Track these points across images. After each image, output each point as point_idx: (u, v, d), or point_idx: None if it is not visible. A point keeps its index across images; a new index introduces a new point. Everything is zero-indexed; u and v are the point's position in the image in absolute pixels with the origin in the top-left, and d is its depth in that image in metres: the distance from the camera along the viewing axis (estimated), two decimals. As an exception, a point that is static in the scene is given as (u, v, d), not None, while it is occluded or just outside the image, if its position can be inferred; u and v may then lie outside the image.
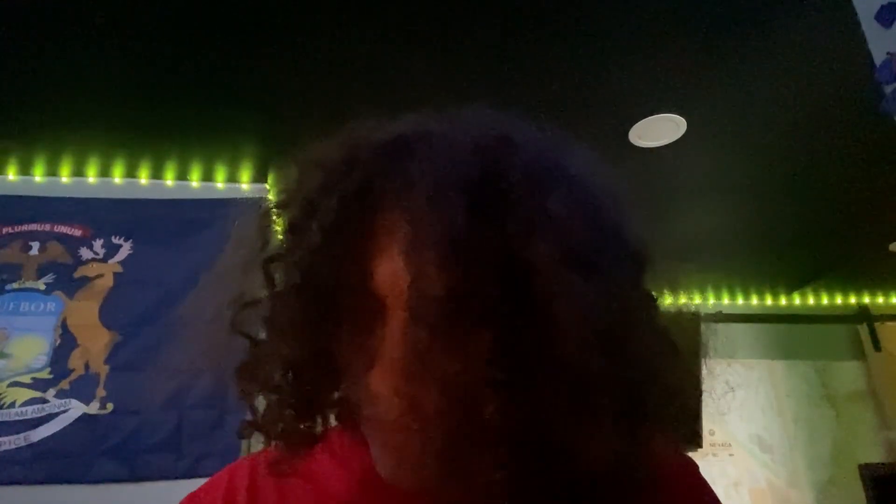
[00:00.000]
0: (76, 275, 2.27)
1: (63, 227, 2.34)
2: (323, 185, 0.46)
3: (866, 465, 3.55)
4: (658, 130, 2.32)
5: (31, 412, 2.06)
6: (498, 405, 0.41)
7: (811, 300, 4.11)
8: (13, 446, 2.00)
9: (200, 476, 0.64)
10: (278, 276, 0.47)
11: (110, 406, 2.11)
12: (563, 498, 0.42)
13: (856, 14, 1.38)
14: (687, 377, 0.49)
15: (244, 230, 0.50)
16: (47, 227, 2.33)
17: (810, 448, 3.73)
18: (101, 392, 2.12)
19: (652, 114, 2.22)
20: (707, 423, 3.47)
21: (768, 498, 3.57)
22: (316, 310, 0.45)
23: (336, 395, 0.50)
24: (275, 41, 1.85)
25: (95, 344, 2.19)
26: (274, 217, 0.50)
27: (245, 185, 2.51)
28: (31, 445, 2.02)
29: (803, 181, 2.71)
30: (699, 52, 1.95)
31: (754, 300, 4.06)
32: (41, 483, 1.99)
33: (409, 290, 0.40)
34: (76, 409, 2.09)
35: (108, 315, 2.23)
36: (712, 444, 3.58)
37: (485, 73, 1.99)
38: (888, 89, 1.28)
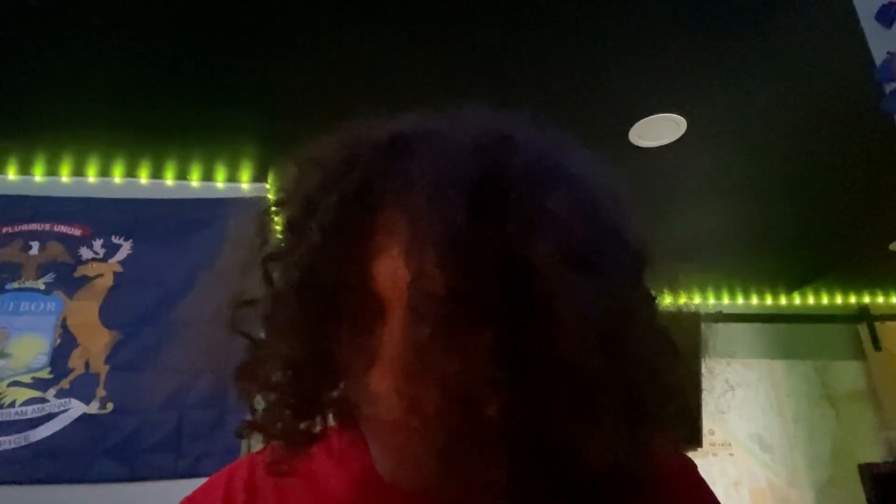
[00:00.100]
0: (76, 274, 2.27)
1: (63, 227, 2.34)
2: (322, 184, 0.46)
3: (866, 464, 3.54)
4: (658, 130, 2.32)
5: (31, 412, 2.06)
6: (498, 405, 0.41)
7: (811, 300, 4.11)
8: (13, 446, 2.01)
9: (200, 476, 0.64)
10: (277, 276, 0.47)
11: (110, 406, 2.11)
12: (564, 498, 0.42)
13: (856, 13, 1.39)
14: (687, 377, 0.49)
15: (243, 229, 0.50)
16: (47, 227, 2.33)
17: (810, 447, 3.73)
18: (101, 392, 2.12)
19: (652, 113, 2.22)
20: (707, 423, 3.47)
21: (768, 497, 3.57)
22: (315, 309, 0.44)
23: (335, 394, 0.50)
24: (275, 41, 1.85)
25: (95, 343, 2.19)
26: (273, 216, 0.50)
27: (245, 185, 2.51)
28: (31, 445, 2.02)
29: (803, 181, 2.71)
30: (699, 52, 1.95)
31: (754, 300, 4.06)
32: (41, 482, 1.99)
33: (409, 290, 0.40)
34: (76, 408, 2.09)
35: (108, 315, 2.23)
36: (712, 444, 3.58)
37: (485, 73, 1.99)
38: (888, 89, 1.28)
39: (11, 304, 2.20)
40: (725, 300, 4.01)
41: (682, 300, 0.52)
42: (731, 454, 3.62)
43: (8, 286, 2.22)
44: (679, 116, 2.24)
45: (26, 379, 2.10)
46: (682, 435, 0.55)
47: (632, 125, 2.28)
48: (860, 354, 4.06)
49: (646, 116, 2.24)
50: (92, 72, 1.94)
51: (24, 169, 2.39)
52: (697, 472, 0.59)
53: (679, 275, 0.52)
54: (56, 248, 2.30)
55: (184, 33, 1.80)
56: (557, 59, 1.96)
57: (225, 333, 0.48)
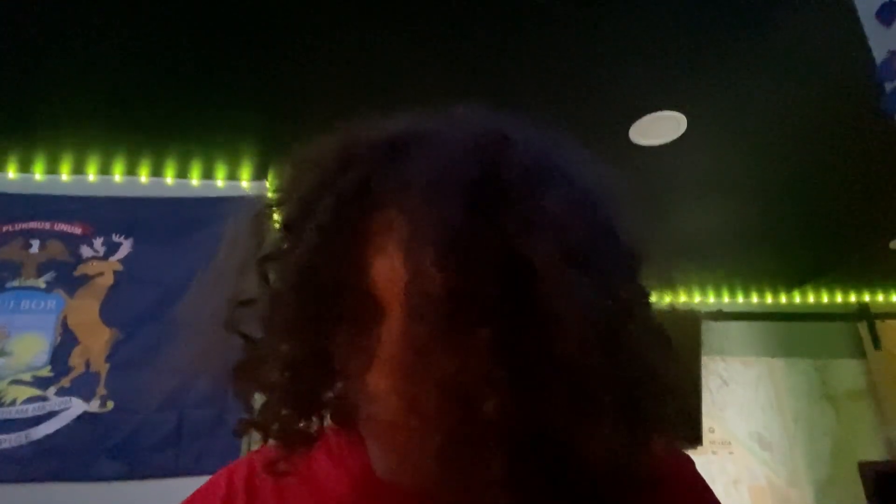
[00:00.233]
0: (76, 273, 2.27)
1: (63, 225, 2.34)
2: (320, 184, 0.46)
3: (866, 462, 3.55)
4: (658, 128, 2.31)
5: (32, 410, 2.06)
6: (497, 404, 0.41)
7: (811, 298, 4.11)
8: (14, 444, 2.01)
9: (200, 474, 0.64)
10: (275, 276, 0.47)
11: (111, 404, 2.11)
12: (563, 496, 0.43)
13: (856, 12, 1.38)
14: (684, 374, 0.49)
15: (239, 229, 0.50)
16: (47, 225, 2.33)
17: (810, 446, 3.73)
18: (101, 390, 2.12)
19: (652, 111, 2.22)
20: (707, 421, 3.47)
21: (768, 496, 3.57)
22: (313, 309, 0.44)
23: (333, 394, 0.50)
24: (275, 39, 1.85)
25: (96, 342, 2.19)
26: (270, 216, 0.50)
27: (245, 183, 2.51)
28: (31, 443, 2.02)
29: (804, 179, 2.71)
30: (699, 50, 1.95)
31: (754, 298, 4.06)
32: (42, 481, 1.99)
33: (407, 290, 0.40)
34: (77, 407, 2.09)
35: (108, 313, 2.23)
36: (712, 442, 3.58)
37: (485, 72, 1.99)
38: (889, 87, 1.28)
39: (12, 302, 2.20)
40: (725, 298, 4.01)
41: (682, 298, 0.52)
42: (730, 452, 3.62)
43: (8, 285, 2.22)
44: (679, 114, 2.24)
45: (27, 377, 2.10)
46: (680, 433, 0.55)
47: (632, 123, 2.28)
48: (860, 353, 4.06)
49: (646, 114, 2.24)
50: (92, 70, 1.94)
51: (25, 167, 2.39)
52: (695, 470, 0.59)
53: (676, 272, 0.52)
54: (56, 247, 2.30)
55: (184, 31, 1.80)
56: (557, 57, 1.96)
57: (222, 334, 0.48)
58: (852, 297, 4.17)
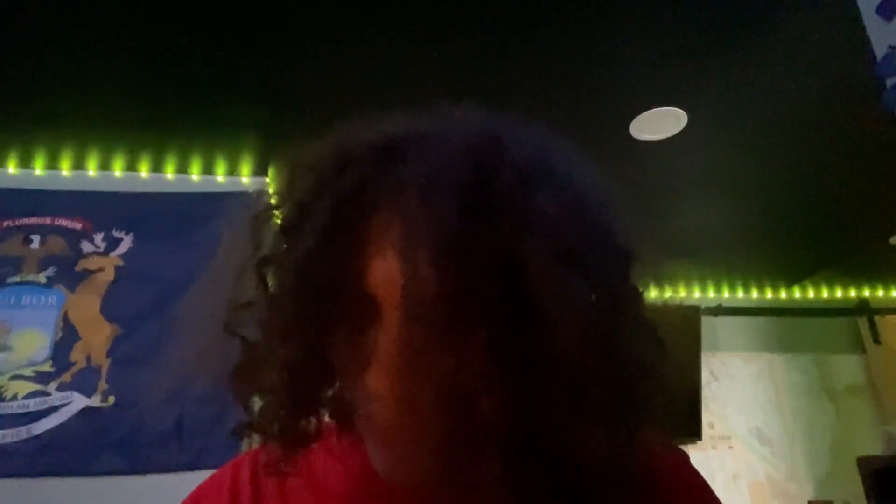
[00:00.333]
0: (77, 268, 2.28)
1: (64, 221, 2.34)
2: (316, 187, 0.46)
3: (865, 458, 3.55)
4: (659, 124, 2.31)
5: (33, 405, 2.07)
6: (493, 403, 0.41)
7: (811, 293, 4.11)
8: (15, 439, 2.01)
9: (202, 469, 0.65)
10: (272, 279, 0.48)
11: (112, 399, 2.12)
12: (560, 495, 0.43)
13: (857, 7, 1.38)
14: (682, 372, 0.49)
15: (237, 230, 0.51)
16: (48, 221, 2.33)
17: (809, 441, 3.74)
18: (102, 385, 2.13)
19: (652, 107, 2.22)
20: (706, 416, 3.48)
21: (767, 491, 3.58)
22: (311, 312, 0.45)
23: (331, 394, 0.50)
24: (275, 36, 1.85)
25: (97, 337, 2.19)
26: (268, 218, 0.50)
27: (246, 179, 2.51)
28: (33, 438, 2.03)
29: (804, 174, 2.71)
30: (700, 46, 1.95)
31: (754, 293, 4.06)
32: (43, 475, 2.00)
33: (403, 291, 0.40)
34: (78, 402, 2.10)
35: (109, 308, 2.24)
36: (712, 437, 3.59)
37: (485, 69, 1.99)
38: (889, 83, 1.28)
39: (13, 297, 2.21)
40: (725, 294, 4.02)
41: (681, 295, 0.52)
42: (730, 447, 3.63)
43: (9, 280, 2.23)
44: (680, 110, 2.24)
45: (28, 372, 2.11)
46: (675, 430, 0.55)
47: (632, 119, 2.28)
48: (860, 348, 4.06)
49: (646, 110, 2.23)
50: (92, 66, 1.94)
51: (25, 162, 2.39)
52: (692, 465, 0.59)
53: (673, 270, 0.52)
54: (57, 242, 2.30)
55: (184, 27, 1.80)
56: (558, 54, 1.96)
57: (221, 337, 0.49)
58: (852, 293, 4.17)
